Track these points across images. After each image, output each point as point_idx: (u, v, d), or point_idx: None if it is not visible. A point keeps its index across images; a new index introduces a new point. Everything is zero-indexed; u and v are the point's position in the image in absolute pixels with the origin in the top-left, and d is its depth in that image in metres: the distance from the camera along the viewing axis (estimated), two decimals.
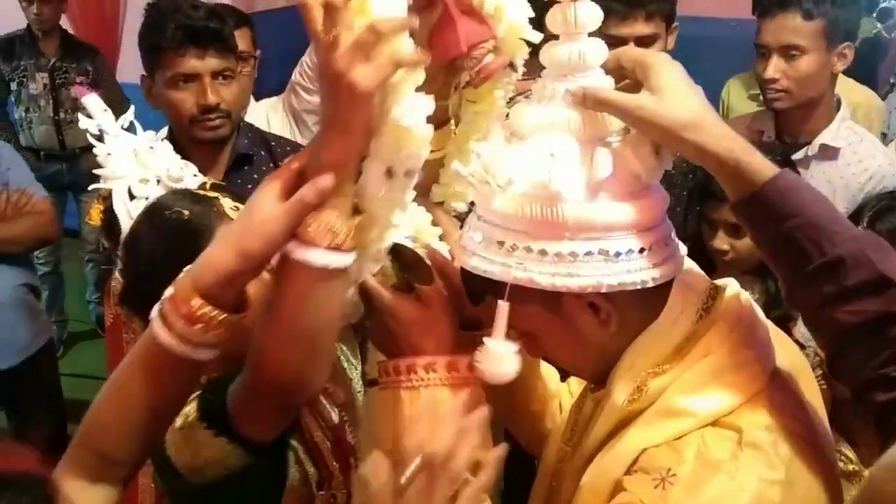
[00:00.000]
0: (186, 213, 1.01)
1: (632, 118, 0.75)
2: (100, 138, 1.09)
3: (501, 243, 0.78)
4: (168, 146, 1.12)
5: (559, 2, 0.77)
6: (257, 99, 2.27)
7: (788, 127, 1.94)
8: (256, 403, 0.84)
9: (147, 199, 1.06)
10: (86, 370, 3.21)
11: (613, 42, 1.87)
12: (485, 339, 0.79)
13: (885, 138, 2.32)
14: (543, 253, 0.76)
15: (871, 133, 1.98)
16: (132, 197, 1.06)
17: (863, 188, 1.84)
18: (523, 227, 0.77)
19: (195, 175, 1.11)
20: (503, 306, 0.78)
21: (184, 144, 1.66)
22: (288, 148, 1.79)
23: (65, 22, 3.77)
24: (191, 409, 0.90)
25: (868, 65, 3.24)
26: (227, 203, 1.04)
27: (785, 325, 1.59)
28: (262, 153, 1.74)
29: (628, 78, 0.78)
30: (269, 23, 2.36)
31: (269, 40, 2.30)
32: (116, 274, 1.07)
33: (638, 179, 0.77)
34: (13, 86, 3.65)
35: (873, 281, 0.71)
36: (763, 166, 0.74)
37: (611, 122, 0.78)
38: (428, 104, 0.75)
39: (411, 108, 0.73)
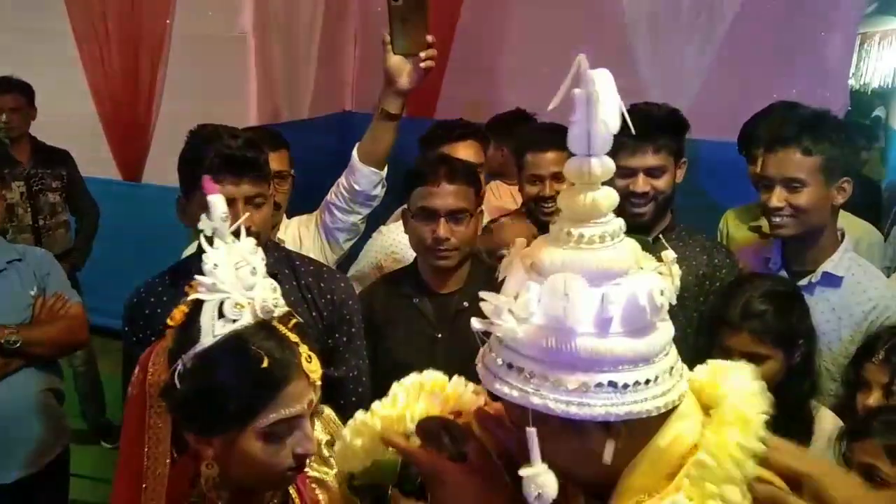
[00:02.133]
0: (267, 361, 1.02)
1: None
2: (210, 241, 1.08)
3: (521, 369, 0.84)
4: (263, 267, 1.10)
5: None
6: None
7: (794, 256, 2.02)
8: None
9: (234, 322, 1.03)
10: (85, 471, 3.16)
11: (624, 172, 2.02)
12: (522, 472, 0.84)
13: (889, 271, 2.39)
14: (558, 382, 0.82)
15: (872, 265, 2.06)
16: (221, 315, 1.03)
17: (867, 317, 1.91)
18: (540, 357, 0.83)
19: (277, 305, 1.09)
20: (532, 433, 0.84)
21: None
22: (311, 267, 1.85)
23: (33, 128, 3.77)
24: None
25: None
26: (303, 351, 1.06)
27: None
28: (286, 271, 1.79)
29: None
30: (293, 133, 2.50)
31: (292, 149, 2.41)
32: (173, 369, 1.03)
33: (644, 316, 0.83)
34: None
35: None
36: None
37: (622, 264, 0.85)
38: None
39: None
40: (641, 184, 2.01)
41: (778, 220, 1.94)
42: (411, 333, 1.97)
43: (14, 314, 2.18)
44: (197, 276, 1.06)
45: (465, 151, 2.37)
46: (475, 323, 0.87)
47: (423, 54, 1.89)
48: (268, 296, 1.06)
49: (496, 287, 0.89)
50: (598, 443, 0.84)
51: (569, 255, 0.85)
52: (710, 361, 0.96)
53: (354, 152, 2.07)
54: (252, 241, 1.11)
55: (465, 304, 1.93)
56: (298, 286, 1.79)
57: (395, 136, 2.04)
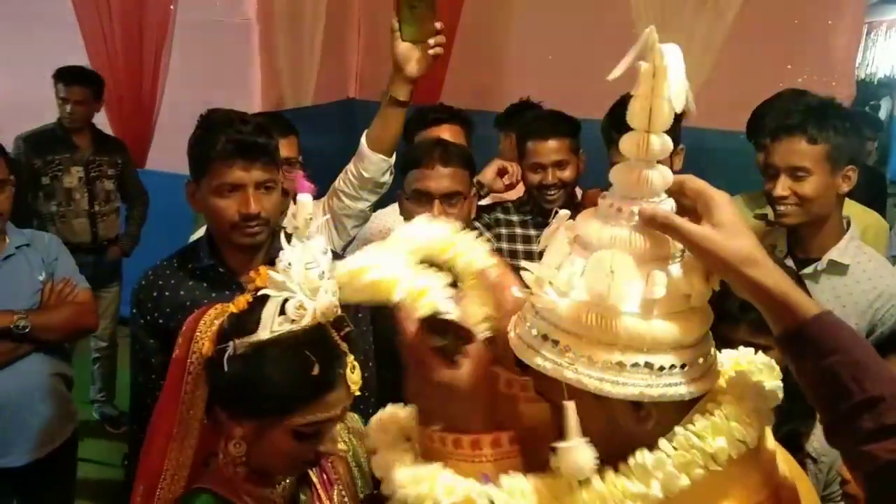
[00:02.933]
0: (317, 368, 1.05)
1: (695, 247, 0.81)
2: (289, 238, 1.09)
3: (556, 342, 0.83)
4: (328, 269, 1.10)
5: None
6: None
7: (800, 243, 2.03)
8: None
9: (293, 322, 1.06)
10: (91, 455, 3.18)
11: (612, 162, 2.01)
12: (558, 445, 0.83)
13: (894, 260, 2.39)
14: (594, 359, 0.81)
15: (879, 253, 2.06)
16: (282, 312, 1.06)
17: (872, 305, 1.91)
18: (578, 332, 0.82)
19: (336, 311, 1.11)
20: (570, 406, 0.82)
21: (221, 246, 1.75)
22: None
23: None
24: None
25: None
26: (349, 361, 1.10)
27: (797, 440, 1.63)
28: None
29: (685, 204, 0.85)
30: (297, 120, 2.50)
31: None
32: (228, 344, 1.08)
33: (688, 300, 0.83)
34: (44, 180, 3.65)
35: None
36: (809, 303, 0.80)
37: (671, 246, 0.83)
38: None
39: None
40: None
41: (782, 208, 1.94)
42: None
43: (23, 299, 2.19)
44: (269, 272, 1.08)
45: (442, 135, 2.36)
46: (515, 291, 0.86)
47: (431, 41, 1.89)
48: (329, 301, 1.08)
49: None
50: (624, 420, 0.83)
51: (618, 232, 0.83)
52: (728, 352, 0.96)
53: (363, 139, 2.07)
54: (323, 239, 1.12)
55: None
56: None
57: (403, 123, 2.04)
